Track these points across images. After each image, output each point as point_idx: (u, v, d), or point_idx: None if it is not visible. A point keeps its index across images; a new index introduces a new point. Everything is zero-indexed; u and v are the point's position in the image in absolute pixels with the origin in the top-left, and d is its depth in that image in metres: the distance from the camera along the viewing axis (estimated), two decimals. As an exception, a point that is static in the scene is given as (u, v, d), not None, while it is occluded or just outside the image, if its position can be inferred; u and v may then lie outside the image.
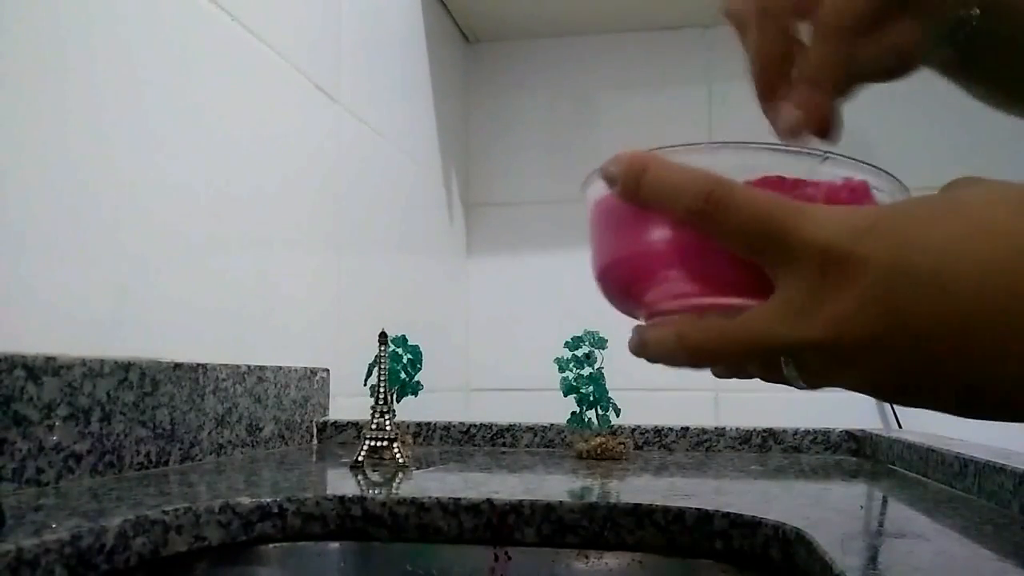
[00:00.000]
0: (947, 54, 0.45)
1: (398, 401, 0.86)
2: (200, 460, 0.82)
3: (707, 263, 0.31)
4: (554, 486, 0.71)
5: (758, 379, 0.33)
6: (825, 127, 0.37)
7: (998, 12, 0.42)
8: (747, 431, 1.01)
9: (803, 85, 0.37)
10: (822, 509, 0.61)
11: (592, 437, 0.92)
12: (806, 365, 0.29)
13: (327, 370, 1.11)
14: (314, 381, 1.07)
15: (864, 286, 0.27)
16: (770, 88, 0.38)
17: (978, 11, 0.41)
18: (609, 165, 0.31)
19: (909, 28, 0.39)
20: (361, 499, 0.62)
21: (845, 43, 0.37)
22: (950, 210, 0.27)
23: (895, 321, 0.26)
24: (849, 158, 0.31)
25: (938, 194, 0.29)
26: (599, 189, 0.34)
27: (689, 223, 0.30)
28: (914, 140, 1.76)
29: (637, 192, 0.30)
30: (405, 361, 0.86)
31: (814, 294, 0.28)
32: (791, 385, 0.31)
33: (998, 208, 0.27)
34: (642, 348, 0.32)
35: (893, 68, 0.40)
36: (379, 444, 0.82)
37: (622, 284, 0.34)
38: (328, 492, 0.63)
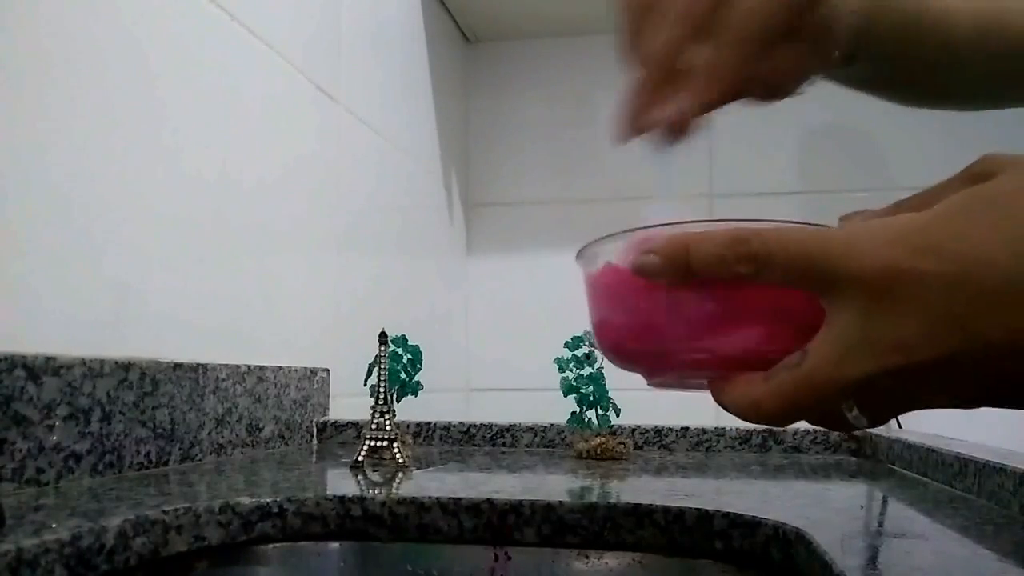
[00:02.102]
0: (862, 72, 0.45)
1: (398, 401, 0.86)
2: (200, 460, 0.82)
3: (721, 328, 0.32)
4: (554, 486, 0.71)
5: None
6: (684, 132, 0.39)
7: (893, 36, 0.43)
8: (747, 431, 1.01)
9: (695, 82, 0.38)
10: (822, 509, 0.61)
11: (592, 437, 0.92)
12: (878, 396, 0.28)
13: (327, 370, 1.11)
14: (314, 381, 1.07)
15: (926, 305, 0.26)
16: (657, 81, 0.39)
17: (840, 52, 0.42)
18: (645, 259, 0.31)
19: (795, 54, 0.40)
20: (361, 499, 0.62)
21: (745, 54, 0.38)
22: (991, 210, 0.26)
23: (971, 336, 0.26)
24: (749, 220, 0.31)
25: (969, 192, 0.27)
26: (601, 262, 0.34)
27: (742, 282, 0.30)
28: (916, 139, 1.75)
29: (688, 273, 0.30)
30: (405, 361, 0.86)
31: (868, 321, 0.27)
32: (855, 427, 0.30)
33: None
34: (723, 408, 0.32)
35: (775, 89, 0.41)
36: (379, 444, 0.82)
37: (644, 352, 0.34)
38: (328, 492, 0.63)
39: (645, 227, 0.32)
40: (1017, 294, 0.25)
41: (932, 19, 0.44)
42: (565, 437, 1.02)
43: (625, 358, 0.36)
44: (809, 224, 0.31)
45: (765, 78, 0.40)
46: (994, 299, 0.25)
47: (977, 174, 0.29)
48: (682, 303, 0.32)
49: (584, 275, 0.36)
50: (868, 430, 0.98)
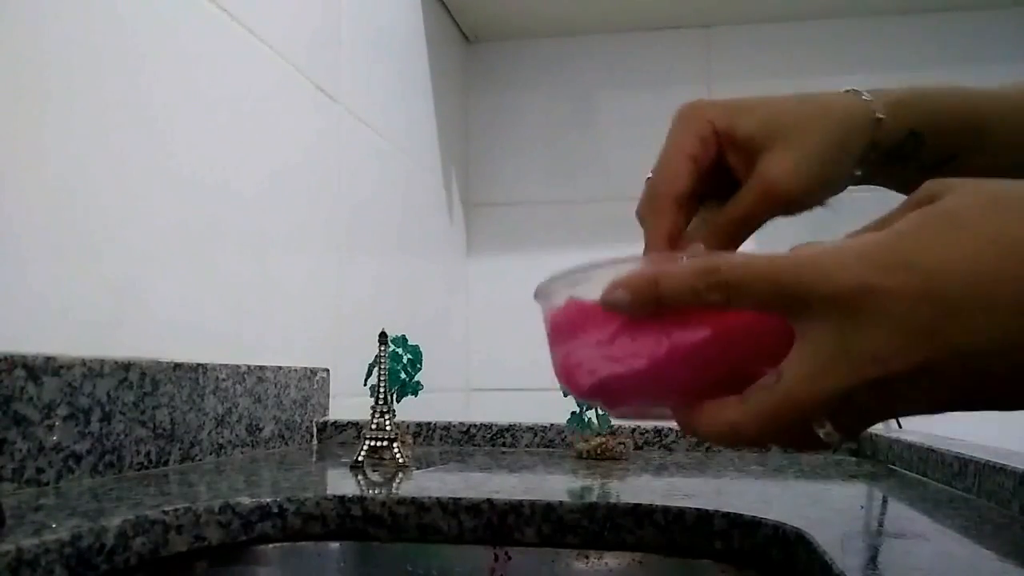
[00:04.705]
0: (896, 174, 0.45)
1: (398, 401, 0.86)
2: (200, 460, 0.82)
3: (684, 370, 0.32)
4: (554, 486, 0.71)
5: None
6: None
7: (944, 138, 0.43)
8: (747, 431, 1.01)
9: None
10: (822, 509, 0.61)
11: (592, 437, 0.92)
12: (853, 410, 0.29)
13: (327, 370, 1.11)
14: (314, 381, 1.07)
15: (897, 319, 0.27)
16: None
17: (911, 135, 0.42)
18: (613, 295, 0.31)
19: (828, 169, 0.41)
20: (361, 499, 0.62)
21: (677, 212, 0.41)
22: (948, 225, 0.28)
23: (942, 347, 0.27)
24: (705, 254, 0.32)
25: (925, 211, 0.29)
26: (563, 298, 0.35)
27: (710, 310, 0.30)
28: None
29: (658, 306, 0.31)
30: (405, 361, 0.86)
31: (842, 336, 0.28)
32: (827, 445, 0.30)
33: (999, 217, 0.27)
34: (694, 435, 0.32)
35: (808, 205, 0.42)
36: (379, 444, 0.82)
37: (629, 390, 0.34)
38: (328, 492, 0.63)
39: (606, 262, 0.32)
40: (978, 300, 0.26)
41: (968, 93, 0.44)
42: (565, 437, 1.02)
43: (589, 393, 0.35)
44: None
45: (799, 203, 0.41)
46: (957, 308, 0.27)
47: (924, 199, 0.30)
48: (649, 335, 0.32)
49: (544, 311, 0.36)
50: (860, 436, 0.98)
